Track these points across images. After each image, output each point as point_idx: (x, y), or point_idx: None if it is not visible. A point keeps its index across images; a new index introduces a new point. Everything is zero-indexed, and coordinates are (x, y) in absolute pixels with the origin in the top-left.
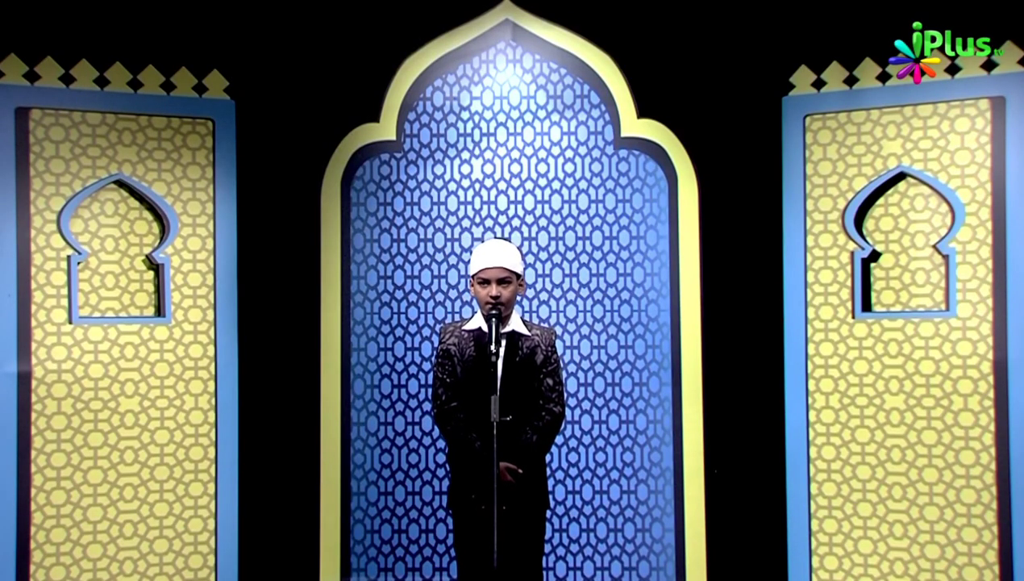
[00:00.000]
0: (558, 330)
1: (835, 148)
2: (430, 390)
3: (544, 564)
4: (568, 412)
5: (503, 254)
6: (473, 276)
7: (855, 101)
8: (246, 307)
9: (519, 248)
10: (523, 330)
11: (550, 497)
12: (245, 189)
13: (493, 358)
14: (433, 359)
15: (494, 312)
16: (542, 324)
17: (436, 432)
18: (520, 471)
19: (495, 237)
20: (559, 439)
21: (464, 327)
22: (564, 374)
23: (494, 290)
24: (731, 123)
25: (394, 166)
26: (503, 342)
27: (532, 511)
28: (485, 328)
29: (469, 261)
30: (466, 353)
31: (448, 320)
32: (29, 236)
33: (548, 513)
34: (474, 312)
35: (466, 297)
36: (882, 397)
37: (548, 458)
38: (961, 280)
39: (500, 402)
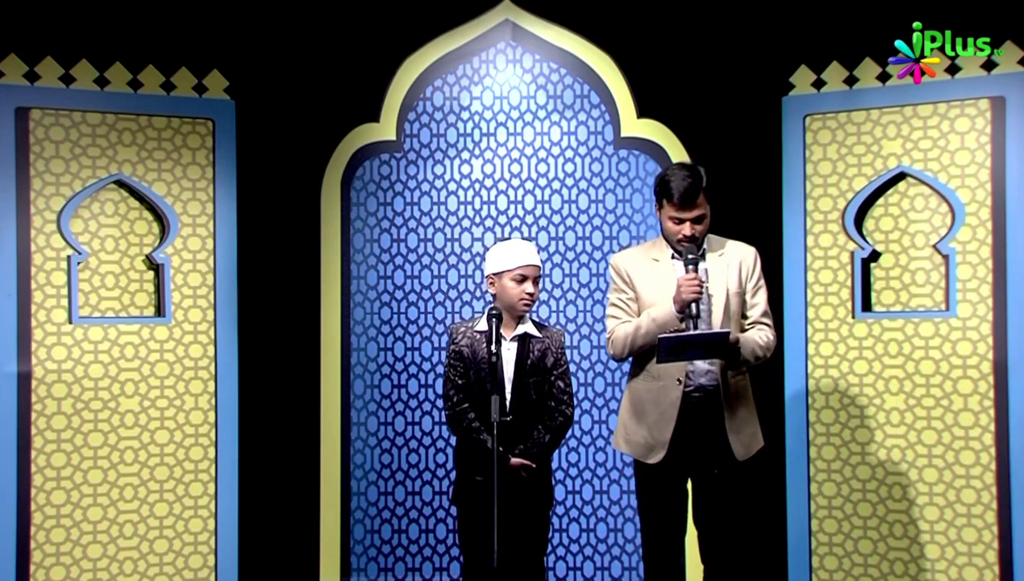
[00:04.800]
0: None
1: (835, 148)
2: (428, 390)
3: (544, 564)
4: None
5: (535, 252)
6: (505, 272)
7: (855, 101)
8: (246, 307)
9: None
10: (535, 332)
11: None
12: (245, 189)
13: (494, 358)
14: (444, 360)
15: (495, 312)
16: (554, 326)
17: (436, 432)
18: (533, 466)
19: (495, 238)
20: None
21: (476, 328)
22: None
23: (531, 287)
24: (731, 123)
25: (394, 166)
26: (515, 343)
27: (538, 510)
28: (499, 329)
29: (490, 256)
30: (479, 354)
31: (448, 321)
32: (29, 236)
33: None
34: (475, 313)
35: (466, 297)
36: (882, 397)
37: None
38: (961, 280)
39: (510, 403)
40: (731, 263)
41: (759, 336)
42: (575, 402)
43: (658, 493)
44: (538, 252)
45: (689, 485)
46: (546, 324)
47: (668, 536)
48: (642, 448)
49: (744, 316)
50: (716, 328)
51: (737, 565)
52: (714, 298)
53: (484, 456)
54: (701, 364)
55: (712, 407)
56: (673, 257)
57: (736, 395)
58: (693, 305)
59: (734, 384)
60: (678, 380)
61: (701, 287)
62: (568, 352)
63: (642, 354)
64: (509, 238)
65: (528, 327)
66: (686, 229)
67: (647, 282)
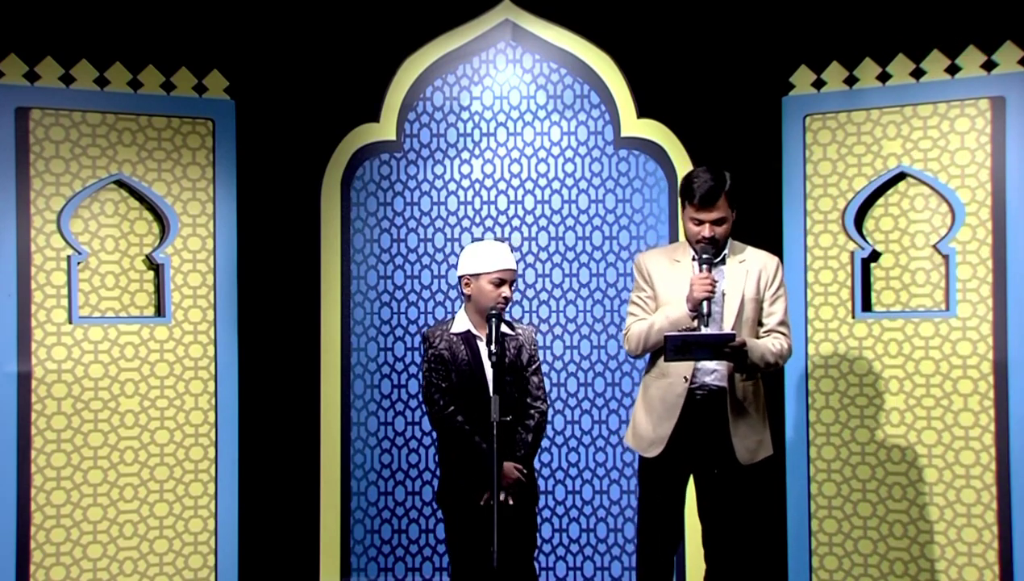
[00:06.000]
0: (558, 330)
1: (835, 148)
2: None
3: (544, 564)
4: (568, 412)
5: (511, 256)
6: (482, 274)
7: (855, 101)
8: (246, 307)
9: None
10: (508, 330)
11: (549, 497)
12: (245, 189)
13: (493, 358)
14: (423, 365)
15: (494, 312)
16: (523, 324)
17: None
18: (524, 471)
19: (494, 237)
20: (559, 439)
21: (451, 330)
22: (555, 373)
23: (507, 291)
24: (731, 123)
25: (394, 166)
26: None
27: (526, 508)
28: (475, 330)
29: (466, 256)
30: (458, 357)
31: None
32: (29, 236)
33: (547, 513)
34: (448, 314)
35: None
36: (882, 397)
37: (547, 457)
38: (961, 280)
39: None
40: (751, 270)
41: (772, 343)
42: (550, 398)
43: (655, 488)
44: (527, 252)
45: (692, 484)
46: (516, 323)
47: (661, 531)
48: (644, 442)
49: (760, 323)
50: (726, 330)
51: (738, 565)
52: (728, 302)
53: (474, 457)
54: (708, 363)
55: (716, 407)
56: (694, 259)
57: (744, 399)
58: (705, 304)
59: (742, 388)
60: (684, 378)
61: (713, 287)
62: (568, 352)
63: (656, 351)
64: (510, 239)
65: (502, 326)
66: (705, 230)
67: (666, 282)
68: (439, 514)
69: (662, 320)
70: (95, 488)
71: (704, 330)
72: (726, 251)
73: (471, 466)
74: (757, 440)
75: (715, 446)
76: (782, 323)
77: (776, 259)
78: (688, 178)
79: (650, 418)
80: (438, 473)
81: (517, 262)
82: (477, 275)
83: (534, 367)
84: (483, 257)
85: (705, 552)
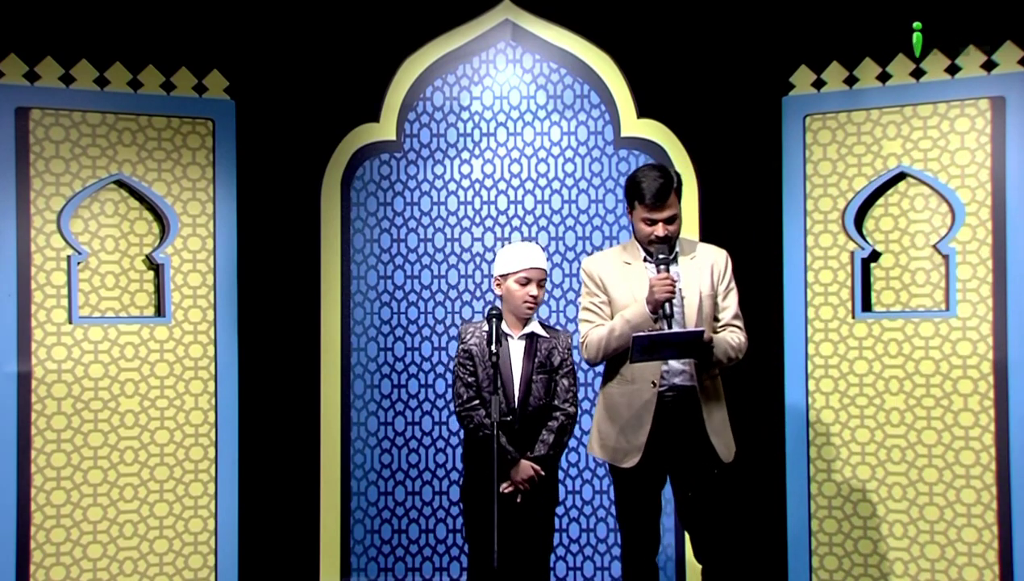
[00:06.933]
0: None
1: (835, 148)
2: (428, 390)
3: (549, 563)
4: None
5: (542, 256)
6: (510, 274)
7: (855, 101)
8: (246, 307)
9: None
10: (541, 332)
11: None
12: (245, 189)
13: (494, 358)
14: (454, 358)
15: (495, 312)
16: (557, 327)
17: (436, 432)
18: (543, 473)
19: (494, 238)
20: None
21: (484, 328)
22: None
23: (534, 290)
24: (731, 123)
25: (394, 166)
26: (523, 342)
27: (542, 509)
28: (507, 329)
29: (498, 257)
30: (487, 353)
31: (448, 321)
32: (29, 236)
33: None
34: (475, 312)
35: (466, 297)
36: (882, 397)
37: None
38: (961, 280)
39: (519, 401)
40: (703, 266)
41: (731, 338)
42: (579, 400)
43: (635, 497)
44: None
45: (670, 487)
46: (553, 327)
47: (646, 538)
48: (618, 453)
49: (716, 319)
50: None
51: (732, 562)
52: (687, 300)
53: (498, 450)
54: (676, 364)
55: (688, 407)
56: (645, 260)
57: (712, 396)
58: (666, 305)
59: (709, 385)
60: (652, 383)
61: (674, 287)
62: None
63: (615, 358)
64: (510, 239)
65: (535, 327)
66: (658, 230)
67: (620, 286)
68: (439, 514)
69: (621, 324)
70: (95, 488)
71: (669, 330)
72: (677, 249)
73: (490, 463)
74: (728, 435)
75: (693, 447)
76: (736, 316)
77: (724, 252)
78: (634, 179)
79: (616, 426)
80: (454, 471)
81: None
82: (506, 275)
83: (565, 370)
84: (510, 257)
85: (696, 553)
